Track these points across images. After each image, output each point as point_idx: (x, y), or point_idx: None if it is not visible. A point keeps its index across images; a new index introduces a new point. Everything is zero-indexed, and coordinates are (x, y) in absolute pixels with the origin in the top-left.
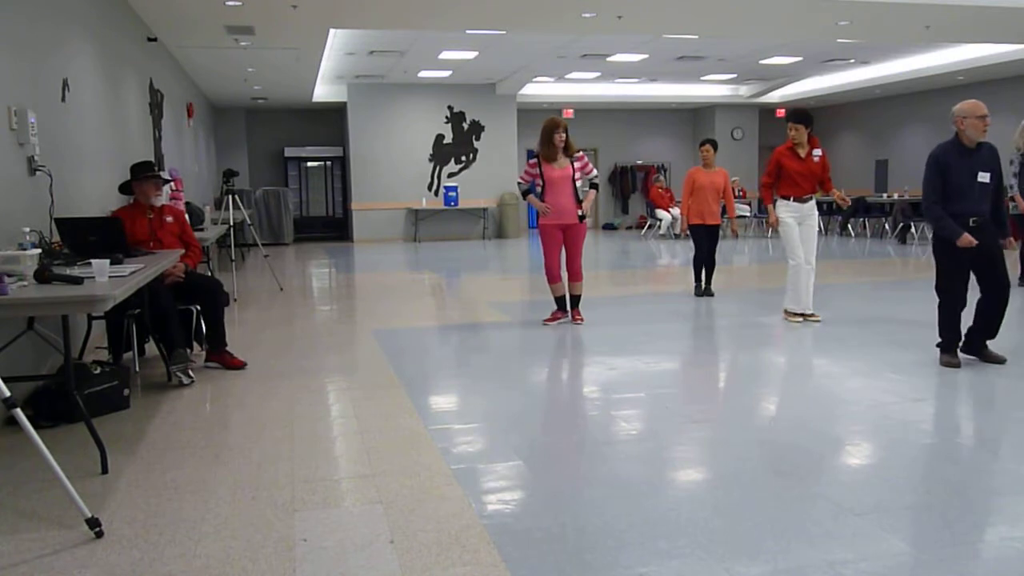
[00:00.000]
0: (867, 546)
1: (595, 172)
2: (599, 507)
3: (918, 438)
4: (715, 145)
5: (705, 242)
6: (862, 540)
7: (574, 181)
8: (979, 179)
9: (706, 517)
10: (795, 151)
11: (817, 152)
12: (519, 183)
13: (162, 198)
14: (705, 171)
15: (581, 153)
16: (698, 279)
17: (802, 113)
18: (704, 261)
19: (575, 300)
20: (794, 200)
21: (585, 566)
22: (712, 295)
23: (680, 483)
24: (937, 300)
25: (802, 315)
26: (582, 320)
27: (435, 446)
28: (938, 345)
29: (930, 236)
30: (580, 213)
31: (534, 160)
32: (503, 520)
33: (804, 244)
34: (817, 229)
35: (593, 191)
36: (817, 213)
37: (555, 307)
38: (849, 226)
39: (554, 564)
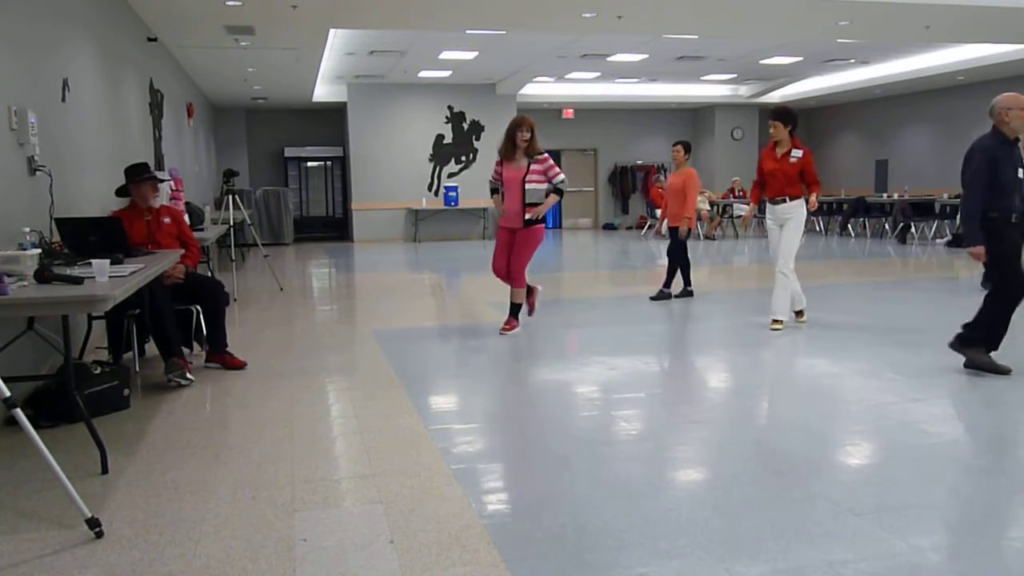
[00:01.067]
0: (867, 546)
1: (560, 177)
2: (599, 507)
3: (918, 438)
4: (687, 146)
5: (672, 244)
6: (862, 540)
7: (524, 184)
8: (1020, 175)
9: (706, 517)
10: (774, 150)
11: (796, 153)
12: (489, 181)
13: (160, 198)
14: (673, 173)
15: (544, 155)
16: (686, 281)
17: (781, 110)
18: (677, 263)
19: (512, 307)
20: (768, 202)
21: (585, 566)
22: (668, 297)
23: (680, 483)
24: (991, 294)
25: (777, 320)
26: (510, 329)
27: (435, 446)
28: (964, 340)
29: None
30: (526, 217)
31: (499, 158)
32: (503, 520)
33: (776, 247)
34: (796, 233)
35: (554, 196)
36: (799, 216)
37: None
38: (849, 226)
39: (554, 564)
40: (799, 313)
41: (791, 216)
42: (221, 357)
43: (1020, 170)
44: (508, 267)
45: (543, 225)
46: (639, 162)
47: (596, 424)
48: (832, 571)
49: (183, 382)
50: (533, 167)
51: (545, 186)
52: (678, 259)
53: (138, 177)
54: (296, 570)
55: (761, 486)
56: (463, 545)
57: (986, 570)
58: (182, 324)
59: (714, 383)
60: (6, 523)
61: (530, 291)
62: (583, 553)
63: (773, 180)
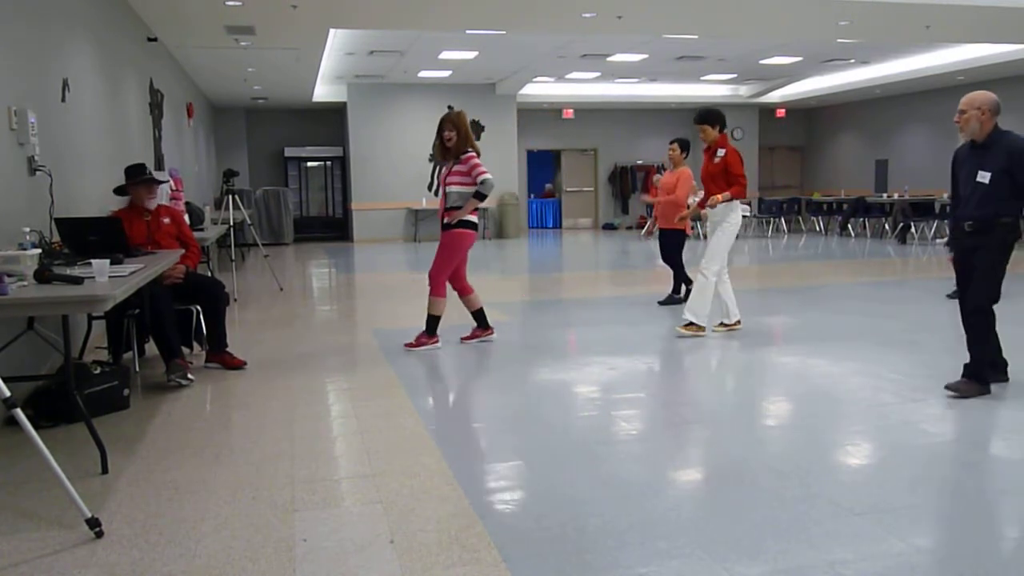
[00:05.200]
0: (867, 546)
1: (484, 177)
2: (599, 507)
3: (918, 438)
4: (683, 144)
5: (665, 247)
6: (862, 540)
7: (445, 185)
8: (979, 178)
9: (706, 517)
10: (707, 153)
11: (721, 152)
12: None
13: (157, 199)
14: (668, 172)
15: (469, 154)
16: (675, 289)
17: (703, 112)
18: (671, 266)
19: (476, 315)
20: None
21: (585, 566)
22: (676, 303)
23: (680, 483)
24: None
25: (694, 324)
26: (415, 345)
27: (435, 446)
28: None
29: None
30: (444, 221)
31: None
32: (503, 520)
33: (708, 249)
34: (724, 236)
35: (474, 200)
36: (731, 219)
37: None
38: (849, 226)
39: (554, 564)
40: (733, 323)
41: (720, 219)
42: (221, 357)
43: (980, 173)
44: (452, 274)
45: (468, 231)
46: (639, 162)
47: (596, 424)
48: (832, 571)
49: (183, 382)
50: (456, 167)
51: (471, 188)
52: (669, 261)
53: (135, 178)
54: (296, 570)
55: (761, 486)
56: (463, 545)
57: (986, 570)
58: (182, 324)
59: (714, 383)
60: (6, 523)
61: (433, 335)
62: (583, 553)
63: (704, 182)
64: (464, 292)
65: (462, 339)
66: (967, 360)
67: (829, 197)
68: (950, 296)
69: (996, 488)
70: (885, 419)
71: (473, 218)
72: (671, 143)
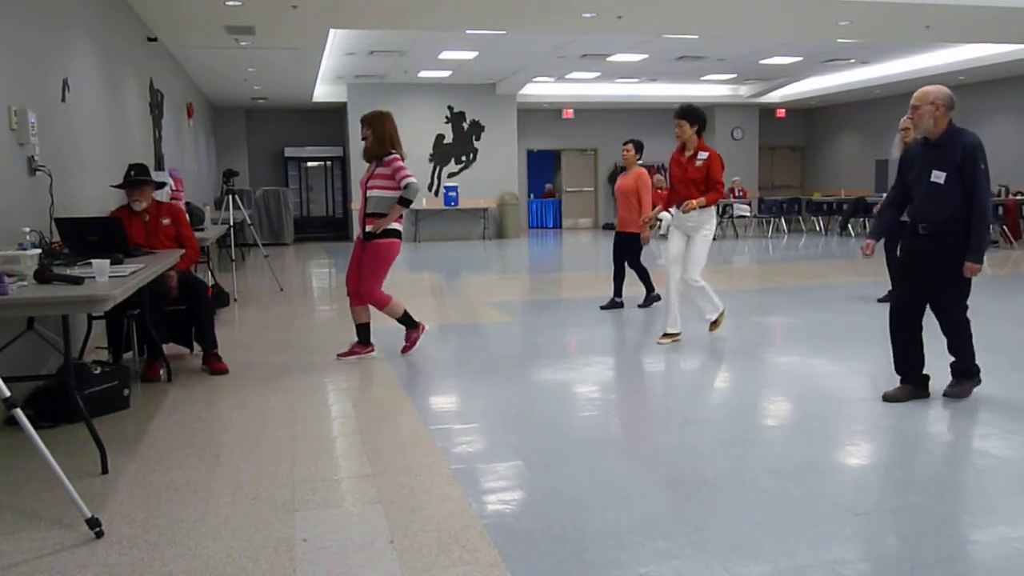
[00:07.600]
0: (867, 546)
1: (407, 180)
2: (599, 507)
3: (918, 438)
4: (638, 146)
5: (616, 251)
6: (862, 540)
7: (366, 190)
8: (934, 178)
9: (706, 517)
10: (681, 153)
11: (702, 155)
12: None
13: (144, 202)
14: (622, 175)
15: (392, 156)
16: (648, 288)
17: (687, 108)
18: (615, 270)
19: (360, 329)
20: (676, 207)
21: (585, 566)
22: (620, 306)
23: (680, 483)
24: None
25: (668, 335)
26: (411, 347)
27: (435, 446)
28: None
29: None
30: (367, 229)
31: None
32: (503, 520)
33: (683, 255)
34: (705, 244)
35: (399, 207)
36: (709, 225)
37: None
38: (849, 226)
39: (554, 564)
40: (676, 334)
41: (698, 225)
42: (207, 359)
43: (934, 173)
44: (359, 285)
45: (394, 240)
46: (639, 162)
47: (596, 424)
48: (832, 571)
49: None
50: (378, 170)
51: (394, 193)
52: (634, 265)
53: (124, 179)
54: (296, 570)
55: (761, 486)
56: (463, 545)
57: (986, 570)
58: (183, 324)
59: (714, 382)
60: (6, 523)
61: (415, 326)
62: (583, 553)
63: (678, 185)
64: (358, 301)
65: (339, 356)
66: (953, 362)
67: (829, 197)
68: (881, 300)
69: (996, 487)
70: (885, 419)
71: (398, 226)
72: (625, 144)
